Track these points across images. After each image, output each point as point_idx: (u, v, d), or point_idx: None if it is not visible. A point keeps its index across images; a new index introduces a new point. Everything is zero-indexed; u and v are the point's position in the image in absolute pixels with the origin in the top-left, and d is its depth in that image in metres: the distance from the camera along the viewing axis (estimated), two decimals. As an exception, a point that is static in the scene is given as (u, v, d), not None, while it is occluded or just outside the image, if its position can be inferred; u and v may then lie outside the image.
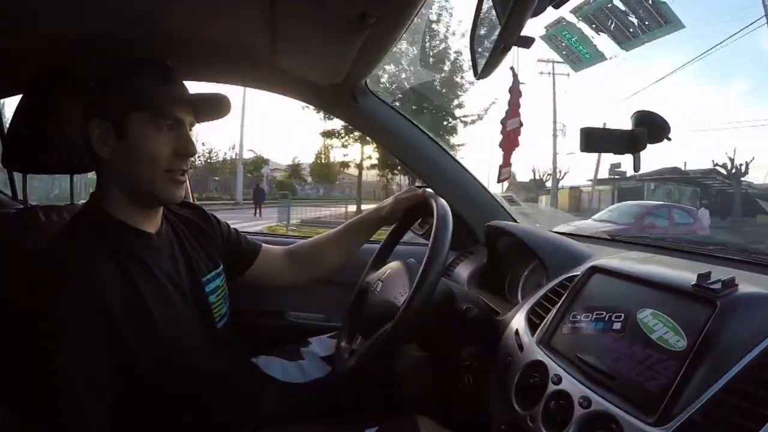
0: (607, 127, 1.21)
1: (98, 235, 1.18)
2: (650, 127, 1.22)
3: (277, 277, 1.70)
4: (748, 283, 0.94)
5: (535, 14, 0.87)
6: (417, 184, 2.05)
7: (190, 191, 2.38)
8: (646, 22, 1.11)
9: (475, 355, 1.36)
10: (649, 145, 1.15)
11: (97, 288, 1.07)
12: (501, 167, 1.26)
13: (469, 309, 1.33)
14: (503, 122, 1.10)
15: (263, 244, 1.69)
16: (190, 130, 1.29)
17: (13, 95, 1.77)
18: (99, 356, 1.06)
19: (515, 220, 2.06)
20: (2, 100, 1.98)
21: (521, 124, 1.07)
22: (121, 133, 1.20)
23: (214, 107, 1.33)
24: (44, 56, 1.57)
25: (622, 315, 1.00)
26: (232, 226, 1.64)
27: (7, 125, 1.48)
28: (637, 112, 1.24)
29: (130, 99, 1.21)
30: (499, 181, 1.32)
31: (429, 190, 1.57)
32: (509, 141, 1.13)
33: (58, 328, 1.04)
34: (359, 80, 1.83)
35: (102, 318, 1.07)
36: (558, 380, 0.99)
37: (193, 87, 1.34)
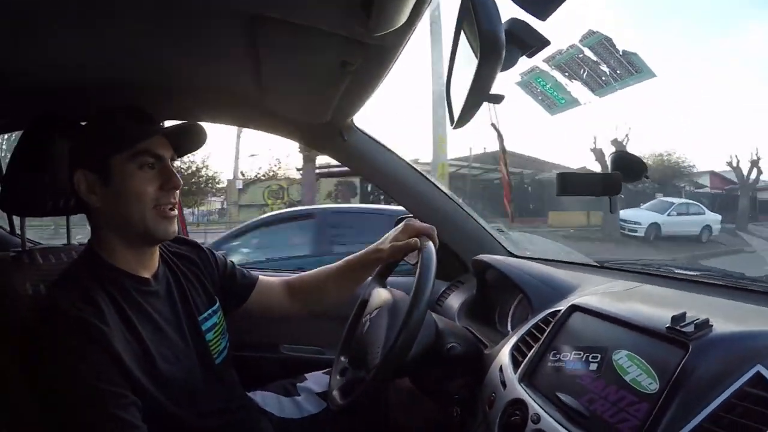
0: (581, 172, 1.24)
1: (97, 281, 1.20)
2: (624, 170, 1.24)
3: (276, 309, 1.69)
4: (725, 319, 0.96)
5: (504, 69, 0.90)
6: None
7: (184, 226, 2.41)
8: (618, 71, 1.14)
9: (464, 389, 1.38)
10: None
11: (102, 334, 1.09)
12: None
13: (453, 347, 1.34)
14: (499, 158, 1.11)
15: (261, 276, 1.68)
16: (172, 164, 1.31)
17: (4, 133, 1.81)
18: (114, 396, 1.08)
19: (506, 249, 2.08)
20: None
21: (507, 182, 1.06)
22: (106, 179, 1.23)
23: (190, 138, 1.36)
24: (39, 99, 1.61)
25: (599, 355, 1.02)
26: (229, 259, 1.64)
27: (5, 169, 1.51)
28: (614, 153, 1.27)
29: (109, 144, 1.23)
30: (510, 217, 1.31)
31: (418, 225, 1.56)
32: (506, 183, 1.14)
33: (65, 377, 1.06)
34: (346, 119, 1.86)
35: (109, 359, 1.09)
36: (537, 419, 1.01)
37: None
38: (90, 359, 1.07)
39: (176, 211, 1.31)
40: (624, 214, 17.33)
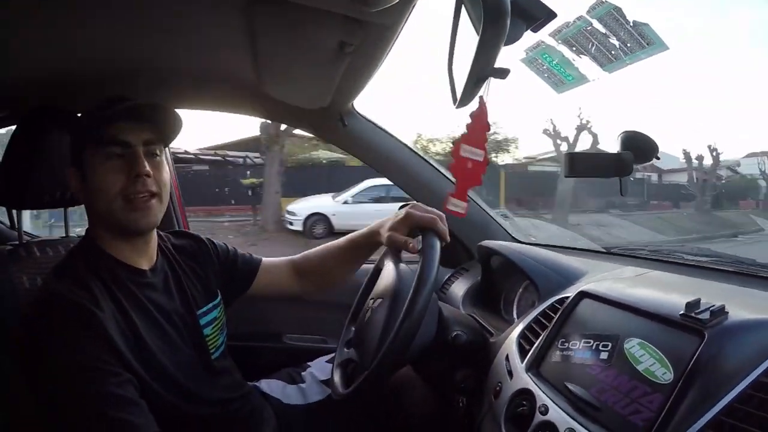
0: (591, 152, 1.20)
1: (93, 269, 1.20)
2: (636, 149, 1.20)
3: (284, 290, 1.68)
4: (740, 306, 0.93)
5: (509, 43, 0.87)
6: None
7: (184, 218, 2.38)
8: (628, 44, 1.09)
9: (469, 378, 1.35)
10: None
11: (97, 318, 1.09)
12: (450, 195, 1.17)
13: (458, 335, 1.31)
14: (455, 143, 1.05)
15: (263, 259, 1.66)
16: (158, 153, 1.27)
17: (3, 127, 1.80)
18: (111, 375, 1.07)
19: (511, 235, 2.05)
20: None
21: (486, 161, 0.99)
22: (84, 175, 1.22)
23: (160, 117, 1.28)
24: (37, 91, 1.61)
25: (609, 344, 0.99)
26: (231, 246, 1.62)
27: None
28: (623, 133, 1.23)
29: (80, 138, 1.23)
30: (445, 210, 1.22)
31: (418, 216, 1.50)
32: (463, 170, 1.07)
33: (62, 359, 1.05)
34: (346, 104, 1.84)
35: (104, 342, 1.09)
36: (545, 410, 0.98)
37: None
38: (84, 341, 1.07)
39: (153, 201, 1.24)
40: (297, 203, 13.82)
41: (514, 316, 1.64)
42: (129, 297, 1.22)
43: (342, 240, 1.64)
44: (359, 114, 1.95)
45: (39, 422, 1.15)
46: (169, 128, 1.30)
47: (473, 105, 1.05)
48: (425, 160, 2.05)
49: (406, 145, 2.03)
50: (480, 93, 1.00)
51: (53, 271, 1.20)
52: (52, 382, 1.06)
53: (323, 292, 1.74)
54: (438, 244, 1.26)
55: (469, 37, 0.91)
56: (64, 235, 1.64)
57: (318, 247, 1.70)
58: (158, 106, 1.25)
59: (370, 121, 1.98)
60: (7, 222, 2.03)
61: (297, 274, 1.68)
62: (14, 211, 1.62)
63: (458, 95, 1.03)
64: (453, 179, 1.99)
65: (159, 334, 1.25)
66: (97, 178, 1.20)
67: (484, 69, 0.88)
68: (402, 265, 1.40)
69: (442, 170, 2.05)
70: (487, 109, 1.03)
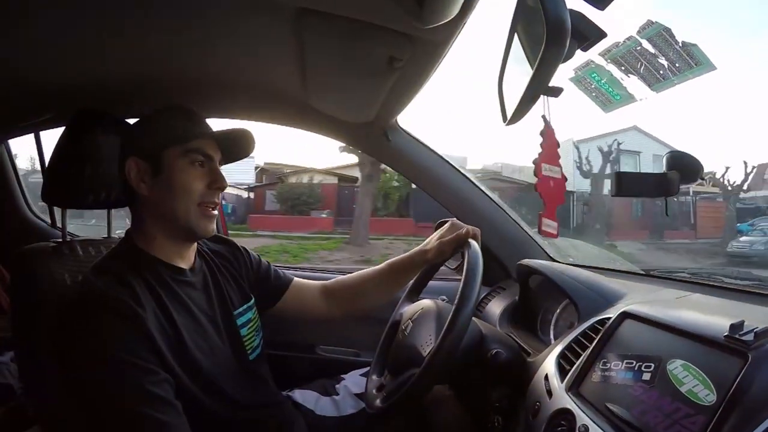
0: (638, 172, 1.21)
1: (135, 268, 1.23)
2: (682, 170, 1.20)
3: (309, 312, 1.71)
4: None
5: (564, 60, 0.88)
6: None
7: (223, 224, 2.42)
8: (677, 64, 1.10)
9: (505, 397, 1.34)
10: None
11: (138, 316, 1.12)
12: (542, 216, 1.20)
13: (497, 353, 1.30)
14: (536, 164, 1.06)
15: (295, 278, 1.70)
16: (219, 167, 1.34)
17: (50, 128, 1.85)
18: (148, 372, 1.09)
19: (550, 256, 2.04)
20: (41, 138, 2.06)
21: (564, 177, 1.01)
22: (157, 169, 1.27)
23: (238, 143, 1.39)
24: (83, 95, 1.65)
25: (652, 365, 0.98)
26: (264, 260, 1.66)
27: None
28: (669, 153, 1.23)
29: (164, 137, 1.28)
30: (541, 233, 1.27)
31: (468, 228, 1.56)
32: (548, 189, 1.09)
33: (101, 354, 1.07)
34: (391, 119, 1.85)
35: (144, 339, 1.11)
36: (585, 430, 0.97)
37: (224, 124, 1.38)
38: (123, 336, 1.09)
39: (217, 211, 1.34)
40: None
41: (551, 336, 1.62)
42: (170, 294, 1.25)
43: (381, 265, 1.70)
44: (403, 129, 1.96)
45: (69, 409, 1.19)
46: (235, 157, 1.43)
47: (523, 122, 1.06)
48: (466, 177, 2.06)
49: (448, 162, 2.04)
50: (542, 113, 1.02)
51: (93, 269, 1.23)
52: (88, 377, 1.08)
53: (352, 314, 1.78)
54: (480, 259, 1.28)
55: (524, 56, 0.92)
56: (106, 235, 1.68)
57: (354, 273, 1.74)
58: (249, 139, 1.40)
59: (413, 136, 1.99)
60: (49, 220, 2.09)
61: (326, 296, 1.71)
62: (56, 209, 1.66)
63: (508, 112, 1.04)
64: (493, 196, 2.02)
65: (198, 332, 1.28)
66: (182, 180, 1.27)
67: (539, 88, 0.89)
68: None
69: (483, 188, 2.05)
70: (552, 127, 1.05)
